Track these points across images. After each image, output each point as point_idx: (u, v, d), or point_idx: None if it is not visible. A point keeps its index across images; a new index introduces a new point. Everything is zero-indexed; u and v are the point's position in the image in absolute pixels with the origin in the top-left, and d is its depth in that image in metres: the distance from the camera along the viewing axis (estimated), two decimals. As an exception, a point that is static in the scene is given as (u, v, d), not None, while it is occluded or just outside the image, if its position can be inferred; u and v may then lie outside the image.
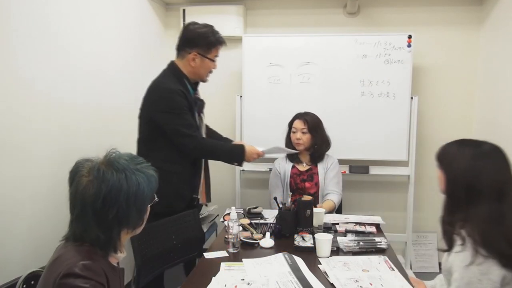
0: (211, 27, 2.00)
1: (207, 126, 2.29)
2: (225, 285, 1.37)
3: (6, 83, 1.58)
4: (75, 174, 1.06)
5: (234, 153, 2.06)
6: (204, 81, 2.08)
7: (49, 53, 1.82)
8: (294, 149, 2.37)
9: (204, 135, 2.10)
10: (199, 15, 2.97)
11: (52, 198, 1.85)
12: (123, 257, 1.13)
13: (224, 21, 2.93)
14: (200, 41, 1.96)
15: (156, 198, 1.15)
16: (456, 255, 1.25)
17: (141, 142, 2.01)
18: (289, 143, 2.41)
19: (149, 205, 1.12)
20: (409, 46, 2.74)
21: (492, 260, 1.16)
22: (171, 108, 1.89)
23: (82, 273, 0.95)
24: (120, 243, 1.09)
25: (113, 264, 1.10)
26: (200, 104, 2.09)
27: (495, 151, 1.30)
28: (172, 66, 2.03)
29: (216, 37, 1.99)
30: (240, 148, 2.05)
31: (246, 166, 2.99)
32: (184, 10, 3.01)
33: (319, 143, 2.38)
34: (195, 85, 2.08)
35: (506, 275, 1.17)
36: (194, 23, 2.02)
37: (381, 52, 2.77)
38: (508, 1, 2.50)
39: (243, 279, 1.41)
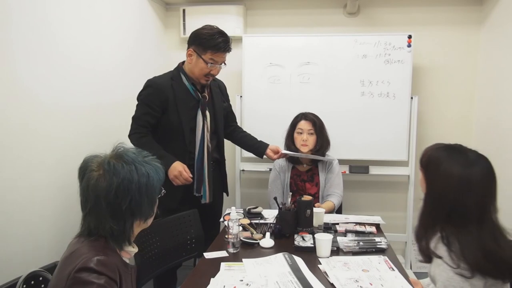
0: (218, 32, 1.99)
1: (238, 129, 2.40)
2: (224, 286, 1.36)
3: (4, 83, 1.58)
4: (85, 170, 1.08)
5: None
6: (201, 83, 2.07)
7: (50, 53, 1.82)
8: (296, 151, 2.36)
9: (203, 134, 2.07)
10: (199, 15, 2.97)
11: (52, 199, 1.86)
12: (135, 252, 1.16)
13: (224, 21, 2.93)
14: (198, 40, 1.99)
15: (163, 190, 1.18)
16: (437, 266, 1.22)
17: None
18: (290, 143, 2.40)
19: (157, 196, 1.16)
20: (409, 46, 2.74)
21: (479, 274, 1.15)
22: (137, 97, 2.05)
23: (97, 268, 0.98)
24: (133, 235, 1.13)
25: (125, 260, 1.13)
26: (203, 102, 2.09)
27: (483, 167, 1.22)
28: (178, 64, 2.12)
29: (215, 41, 1.96)
30: (170, 160, 1.95)
31: (246, 166, 3.01)
32: (184, 10, 3.01)
33: (322, 144, 2.37)
34: (202, 86, 2.11)
35: (487, 280, 1.17)
36: (208, 26, 2.03)
37: (381, 52, 2.77)
38: (508, 1, 2.49)
39: (242, 280, 1.40)
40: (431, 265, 1.29)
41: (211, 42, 1.96)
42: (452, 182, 1.21)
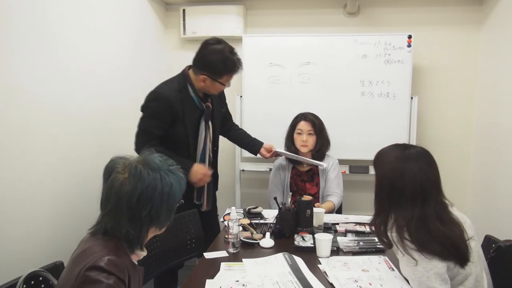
0: (227, 52, 1.91)
1: (235, 127, 2.39)
2: (220, 287, 1.36)
3: (4, 83, 1.58)
4: (111, 171, 1.09)
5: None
6: (213, 94, 2.07)
7: (50, 54, 1.81)
8: (296, 151, 2.36)
9: (205, 144, 2.08)
10: (199, 15, 2.97)
11: (52, 199, 1.85)
12: (144, 255, 1.16)
13: (224, 21, 2.93)
14: (212, 68, 1.92)
15: (182, 200, 1.18)
16: (401, 261, 1.31)
17: None
18: (290, 144, 2.40)
19: (176, 206, 1.16)
20: (409, 46, 2.74)
21: (431, 256, 1.21)
22: (143, 109, 1.98)
23: (107, 268, 0.98)
24: (146, 240, 1.13)
25: (134, 262, 1.13)
26: (208, 112, 2.07)
27: (420, 154, 1.34)
28: (184, 72, 2.03)
29: (231, 66, 1.92)
30: (189, 164, 1.95)
31: (246, 166, 3.00)
32: (184, 10, 3.01)
33: (323, 145, 2.37)
34: (205, 94, 2.07)
35: (449, 264, 1.22)
36: (213, 43, 1.93)
37: (381, 52, 2.77)
38: (508, 1, 2.49)
39: (238, 281, 1.40)
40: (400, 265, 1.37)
41: (226, 69, 1.92)
42: (388, 168, 1.35)
